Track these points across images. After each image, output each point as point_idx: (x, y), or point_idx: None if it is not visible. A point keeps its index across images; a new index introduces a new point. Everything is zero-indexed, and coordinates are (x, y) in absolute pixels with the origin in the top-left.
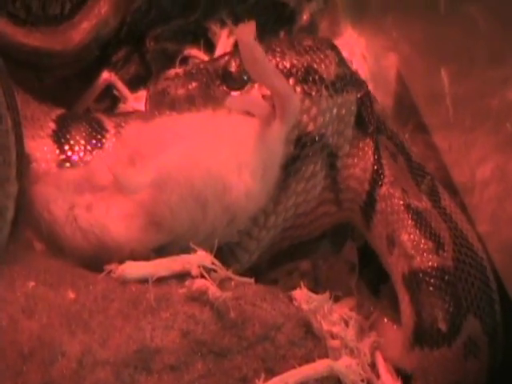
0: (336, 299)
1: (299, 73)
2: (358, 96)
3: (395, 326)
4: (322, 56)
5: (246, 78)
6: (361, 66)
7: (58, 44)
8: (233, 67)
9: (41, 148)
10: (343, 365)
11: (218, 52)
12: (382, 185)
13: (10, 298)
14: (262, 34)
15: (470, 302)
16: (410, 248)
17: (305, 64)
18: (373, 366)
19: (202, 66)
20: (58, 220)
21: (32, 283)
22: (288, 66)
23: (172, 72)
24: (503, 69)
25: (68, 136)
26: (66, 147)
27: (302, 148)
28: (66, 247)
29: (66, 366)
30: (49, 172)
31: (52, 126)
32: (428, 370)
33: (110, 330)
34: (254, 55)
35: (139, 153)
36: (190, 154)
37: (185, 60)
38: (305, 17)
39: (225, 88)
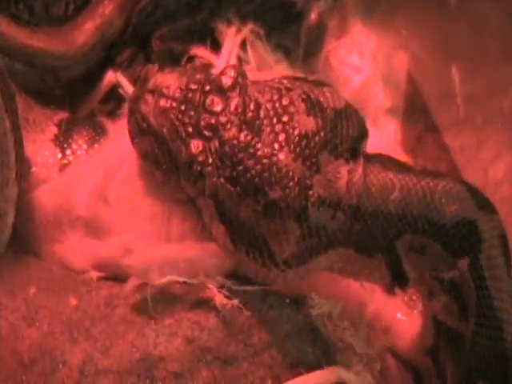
0: None
1: None
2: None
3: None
4: None
5: None
6: (371, 65)
7: (62, 45)
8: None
9: (42, 152)
10: (352, 372)
11: (225, 51)
12: None
13: (10, 305)
14: (270, 34)
15: (481, 373)
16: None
17: None
18: (383, 369)
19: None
20: None
21: (33, 290)
22: None
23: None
24: None
25: (70, 140)
26: (68, 152)
27: None
28: None
29: (67, 375)
30: (50, 177)
31: (54, 130)
32: None
33: (112, 338)
34: None
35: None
36: None
37: (191, 60)
38: (313, 16)
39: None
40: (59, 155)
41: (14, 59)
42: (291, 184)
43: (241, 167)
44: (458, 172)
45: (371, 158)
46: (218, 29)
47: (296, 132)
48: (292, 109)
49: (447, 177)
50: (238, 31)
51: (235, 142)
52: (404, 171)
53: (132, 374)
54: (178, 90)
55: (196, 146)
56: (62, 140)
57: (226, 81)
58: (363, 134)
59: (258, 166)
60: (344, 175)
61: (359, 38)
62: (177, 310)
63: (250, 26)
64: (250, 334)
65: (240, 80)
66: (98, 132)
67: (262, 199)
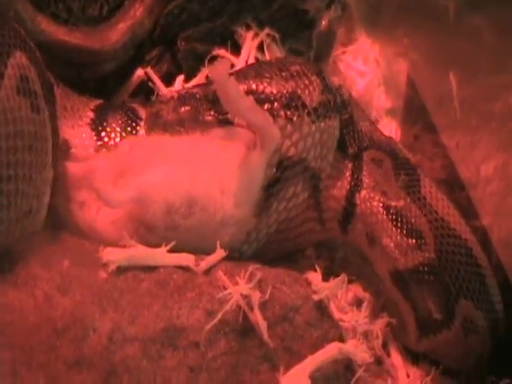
0: (349, 280)
1: (283, 98)
2: (341, 119)
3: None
4: (306, 82)
5: None
6: (374, 70)
7: (97, 43)
8: None
9: (79, 135)
10: (352, 346)
11: (244, 52)
12: (360, 190)
13: (45, 276)
14: (284, 38)
15: (458, 287)
16: (392, 250)
17: (289, 90)
18: (385, 345)
19: (194, 90)
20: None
21: (66, 262)
22: (274, 91)
23: (168, 95)
24: (505, 75)
25: (105, 124)
26: (103, 134)
27: (283, 171)
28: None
29: (96, 341)
30: (87, 157)
31: (90, 115)
32: (437, 350)
33: (138, 309)
34: (229, 93)
35: (125, 170)
36: (170, 176)
37: (213, 59)
38: (323, 23)
39: (213, 112)
40: (95, 137)
41: (53, 55)
42: None
43: None
44: (452, 168)
45: None
46: (238, 32)
47: None
48: None
49: None
50: (256, 35)
51: None
52: None
53: (156, 342)
54: None
55: None
56: (98, 124)
57: None
58: None
59: None
60: None
61: (364, 46)
62: (198, 285)
63: (267, 30)
64: (264, 309)
65: None
66: (130, 116)
67: None
